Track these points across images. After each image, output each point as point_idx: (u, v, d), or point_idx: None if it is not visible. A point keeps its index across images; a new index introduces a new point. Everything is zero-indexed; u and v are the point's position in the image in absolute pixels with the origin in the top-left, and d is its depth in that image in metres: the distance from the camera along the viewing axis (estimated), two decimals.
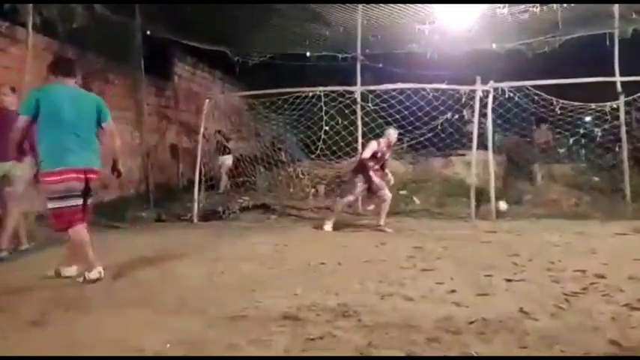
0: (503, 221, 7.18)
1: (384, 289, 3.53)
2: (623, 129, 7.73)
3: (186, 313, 3.03)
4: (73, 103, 3.76)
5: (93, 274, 3.75)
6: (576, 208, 8.00)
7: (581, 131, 8.20)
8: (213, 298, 3.37)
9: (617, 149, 8.03)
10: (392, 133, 6.77)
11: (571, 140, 8.30)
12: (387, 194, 6.58)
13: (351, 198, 6.76)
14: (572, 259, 4.46)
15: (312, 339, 2.54)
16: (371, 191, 6.67)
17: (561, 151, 8.62)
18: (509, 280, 3.72)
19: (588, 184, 8.37)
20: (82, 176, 3.73)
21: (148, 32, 8.72)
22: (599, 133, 7.79)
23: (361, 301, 3.23)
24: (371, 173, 6.49)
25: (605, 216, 7.33)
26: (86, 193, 3.81)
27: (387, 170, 6.81)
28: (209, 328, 2.75)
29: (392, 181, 6.74)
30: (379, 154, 6.57)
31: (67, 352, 2.39)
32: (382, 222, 6.56)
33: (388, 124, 8.69)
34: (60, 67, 3.89)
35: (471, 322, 2.76)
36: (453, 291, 3.46)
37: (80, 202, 3.76)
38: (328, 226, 6.54)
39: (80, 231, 3.76)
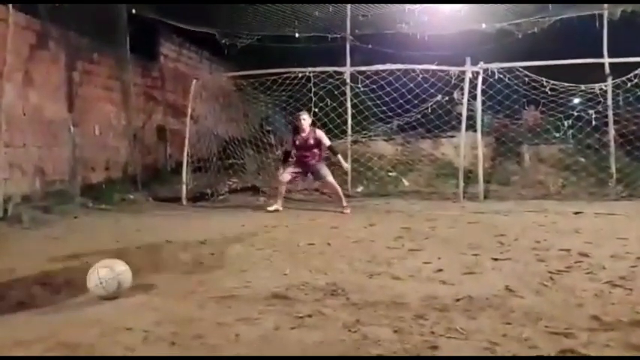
0: (491, 202, 7.26)
1: (372, 269, 3.56)
2: (610, 111, 7.80)
3: (175, 294, 3.04)
4: None
5: None
6: (563, 188, 8.11)
7: (575, 113, 8.23)
8: (203, 278, 3.38)
9: (604, 130, 8.12)
10: (299, 116, 6.73)
11: (566, 123, 8.34)
12: (328, 180, 6.68)
13: (284, 177, 6.72)
14: (557, 238, 4.54)
15: (301, 317, 2.56)
16: (316, 177, 6.84)
17: (557, 135, 8.67)
18: (495, 259, 3.78)
19: (575, 165, 8.46)
20: None
21: (134, 11, 8.53)
22: (593, 116, 7.84)
23: (349, 280, 3.26)
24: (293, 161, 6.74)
25: (590, 196, 7.45)
26: None
27: (338, 157, 6.81)
28: (199, 308, 2.76)
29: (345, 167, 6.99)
30: (297, 142, 6.64)
31: (54, 333, 2.38)
32: (344, 203, 6.62)
33: (377, 106, 8.70)
34: None
35: (458, 300, 2.81)
36: (440, 270, 3.50)
37: None
38: (272, 207, 6.63)
39: None
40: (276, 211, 6.61)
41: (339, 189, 6.78)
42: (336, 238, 4.71)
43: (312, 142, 6.59)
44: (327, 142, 6.69)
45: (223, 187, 8.43)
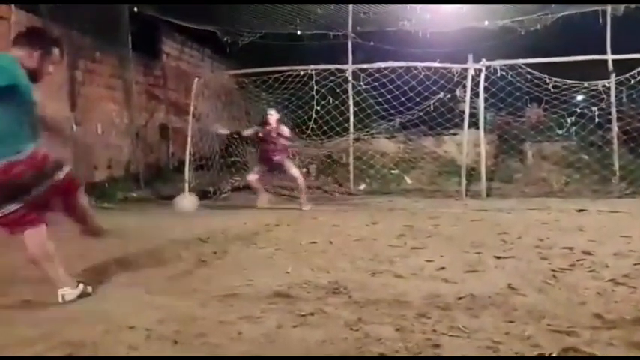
0: (493, 200, 7.25)
1: (374, 267, 3.56)
2: (614, 108, 7.77)
3: (177, 292, 3.04)
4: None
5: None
6: (566, 186, 8.09)
7: (578, 110, 8.21)
8: (205, 277, 3.38)
9: (607, 128, 8.08)
10: (267, 114, 6.96)
11: (569, 121, 8.33)
12: (293, 173, 6.89)
13: (250, 177, 6.98)
14: (560, 236, 4.52)
15: (304, 315, 2.56)
16: (281, 171, 7.04)
17: (560, 132, 8.66)
18: (498, 257, 3.77)
19: (578, 162, 8.44)
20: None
21: (135, 10, 8.54)
22: (597, 113, 7.81)
23: (352, 278, 3.26)
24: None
25: (594, 194, 7.42)
26: None
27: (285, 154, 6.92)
28: (201, 306, 2.76)
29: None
30: (262, 134, 6.88)
31: (57, 331, 2.39)
32: (303, 199, 6.79)
33: (379, 103, 8.71)
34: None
35: (460, 298, 2.80)
36: (442, 268, 3.50)
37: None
38: (260, 203, 6.88)
39: None
40: (266, 205, 6.80)
41: (303, 185, 6.91)
42: (338, 237, 4.70)
43: (274, 134, 6.82)
44: (287, 135, 6.90)
45: (225, 185, 8.43)
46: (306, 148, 9.31)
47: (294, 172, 6.92)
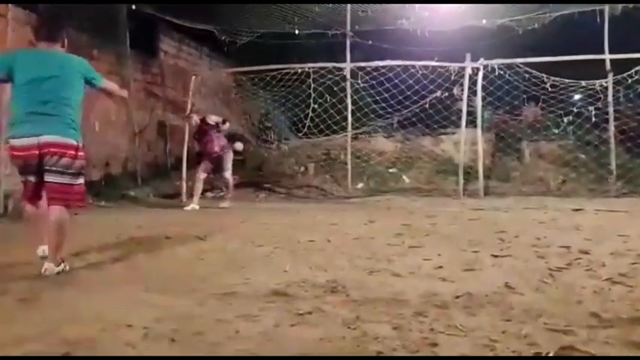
0: (491, 199, 7.27)
1: (372, 266, 3.56)
2: (611, 107, 7.79)
3: (175, 291, 3.03)
4: (33, 66, 3.30)
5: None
6: (563, 185, 8.12)
7: (575, 110, 8.25)
8: (202, 275, 3.38)
9: (604, 127, 8.11)
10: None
11: (566, 119, 8.38)
12: (225, 175, 7.08)
13: (201, 175, 7.05)
14: (557, 235, 4.54)
15: (301, 314, 2.56)
16: (217, 168, 7.15)
17: (557, 131, 8.71)
18: (495, 256, 3.78)
19: (575, 161, 8.47)
20: (32, 152, 3.32)
21: (133, 7, 8.52)
22: (594, 112, 7.85)
23: (349, 277, 3.26)
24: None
25: (590, 193, 7.45)
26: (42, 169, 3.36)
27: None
28: (198, 305, 2.75)
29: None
30: (204, 128, 7.04)
31: (54, 329, 2.38)
32: (227, 198, 7.01)
33: (377, 102, 8.72)
34: (37, 32, 3.48)
35: (457, 297, 2.81)
36: (440, 267, 3.50)
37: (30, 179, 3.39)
38: (191, 206, 6.85)
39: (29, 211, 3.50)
40: (197, 208, 6.80)
41: (231, 186, 7.06)
42: (336, 235, 4.71)
43: (207, 127, 6.95)
44: (213, 122, 7.02)
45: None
46: (304, 148, 9.32)
47: (227, 173, 7.02)
